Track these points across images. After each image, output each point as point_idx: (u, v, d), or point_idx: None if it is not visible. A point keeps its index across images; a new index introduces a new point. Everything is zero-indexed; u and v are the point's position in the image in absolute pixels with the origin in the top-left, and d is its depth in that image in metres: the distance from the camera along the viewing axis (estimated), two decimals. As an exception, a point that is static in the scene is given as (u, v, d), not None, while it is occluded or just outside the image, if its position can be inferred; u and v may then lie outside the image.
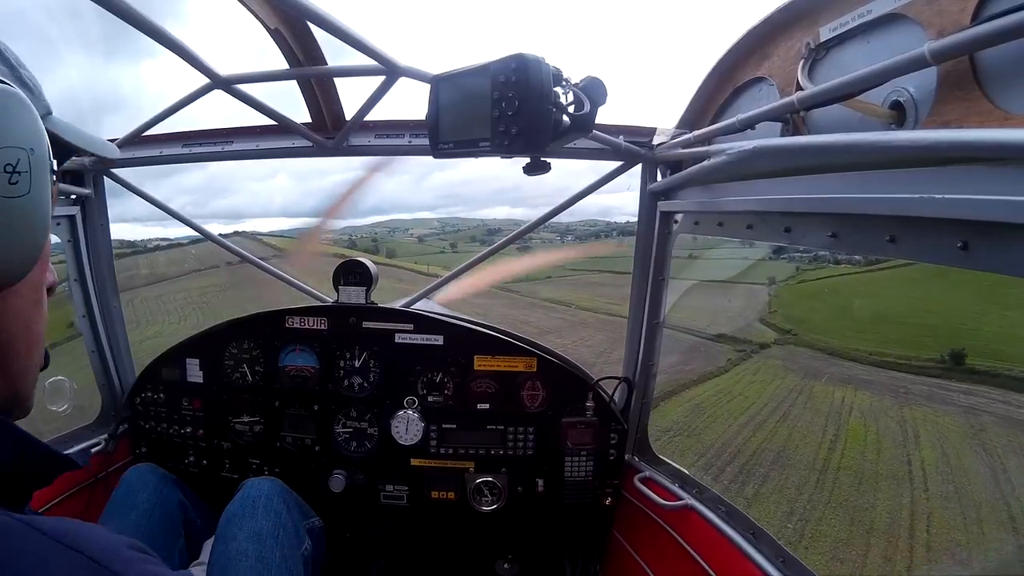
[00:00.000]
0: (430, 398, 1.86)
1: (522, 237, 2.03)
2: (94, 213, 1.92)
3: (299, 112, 1.73)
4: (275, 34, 1.40)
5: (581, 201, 1.87)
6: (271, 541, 1.30)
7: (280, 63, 1.51)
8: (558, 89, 0.97)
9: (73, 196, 1.87)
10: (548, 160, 1.07)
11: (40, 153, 0.55)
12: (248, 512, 1.35)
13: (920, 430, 22.93)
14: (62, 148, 0.68)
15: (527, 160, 1.06)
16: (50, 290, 0.67)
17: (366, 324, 1.85)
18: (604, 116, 1.05)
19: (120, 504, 1.47)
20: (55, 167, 0.58)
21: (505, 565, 2.07)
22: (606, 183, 1.81)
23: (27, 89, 0.60)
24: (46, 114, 0.64)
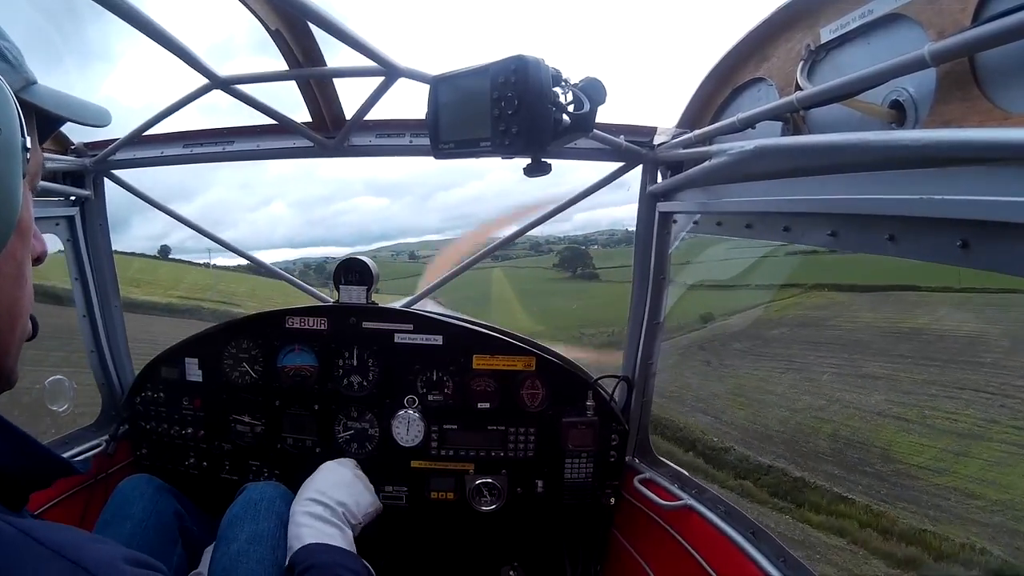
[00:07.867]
0: (430, 397, 1.86)
1: (522, 236, 2.03)
2: (94, 214, 1.92)
3: (298, 112, 1.72)
4: (275, 35, 1.39)
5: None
6: (272, 543, 1.30)
7: (279, 63, 1.51)
8: (557, 89, 0.97)
9: (72, 197, 1.87)
10: (549, 161, 1.07)
11: (8, 131, 0.53)
12: (250, 515, 1.35)
13: None
14: (50, 116, 0.65)
15: (528, 161, 1.06)
16: (38, 260, 0.65)
17: (366, 324, 1.85)
18: (604, 116, 1.05)
19: (114, 515, 1.46)
20: (28, 144, 0.56)
21: (511, 572, 2.06)
22: (608, 183, 1.82)
23: (3, 61, 0.58)
24: (28, 85, 0.62)
